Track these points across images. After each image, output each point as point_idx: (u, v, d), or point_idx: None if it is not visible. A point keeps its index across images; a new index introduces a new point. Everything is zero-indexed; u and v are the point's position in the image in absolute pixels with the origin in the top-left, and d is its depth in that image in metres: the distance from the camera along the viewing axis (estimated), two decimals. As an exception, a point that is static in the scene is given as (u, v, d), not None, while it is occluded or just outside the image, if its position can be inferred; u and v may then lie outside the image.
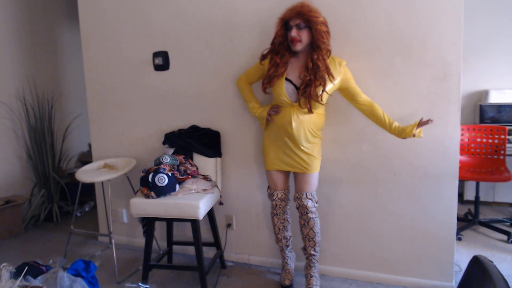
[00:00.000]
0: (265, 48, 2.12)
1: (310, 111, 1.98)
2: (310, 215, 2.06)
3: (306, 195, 2.07)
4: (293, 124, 2.00)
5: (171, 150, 2.50)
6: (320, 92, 1.95)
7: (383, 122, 2.02)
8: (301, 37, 1.94)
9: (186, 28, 2.54)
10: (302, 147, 2.04)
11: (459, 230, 2.87)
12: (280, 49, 2.02)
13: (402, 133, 1.98)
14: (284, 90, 2.01)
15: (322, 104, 2.00)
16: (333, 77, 1.96)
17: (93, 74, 2.90)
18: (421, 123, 1.95)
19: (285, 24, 1.97)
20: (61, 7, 4.02)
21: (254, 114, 2.20)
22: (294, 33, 1.93)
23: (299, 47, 1.96)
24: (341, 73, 2.01)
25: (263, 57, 2.11)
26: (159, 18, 2.61)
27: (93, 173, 2.57)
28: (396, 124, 1.99)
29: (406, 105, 2.10)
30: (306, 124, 2.02)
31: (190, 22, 2.52)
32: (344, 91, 2.07)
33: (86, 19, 2.86)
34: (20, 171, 3.54)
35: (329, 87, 1.98)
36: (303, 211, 2.07)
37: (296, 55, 2.04)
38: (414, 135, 1.95)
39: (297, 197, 2.10)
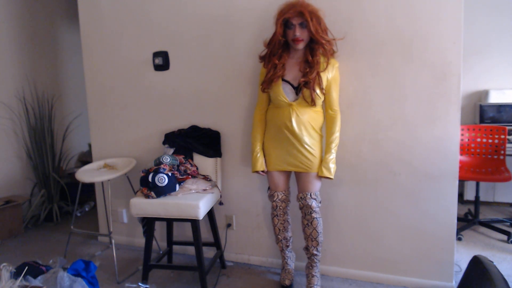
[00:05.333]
0: (262, 50, 2.11)
1: (313, 102, 1.97)
2: (314, 215, 2.06)
3: (310, 195, 2.07)
4: (293, 121, 2.00)
5: (171, 150, 2.50)
6: (322, 80, 1.98)
7: (329, 136, 2.07)
8: (303, 37, 1.95)
9: (186, 27, 2.54)
10: (305, 145, 2.03)
11: (459, 230, 2.87)
12: (277, 50, 2.02)
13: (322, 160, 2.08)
14: (282, 90, 2.01)
15: (324, 93, 2.01)
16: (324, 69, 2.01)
17: (93, 74, 2.90)
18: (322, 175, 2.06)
19: (285, 22, 1.97)
20: (61, 7, 4.02)
21: (252, 156, 2.19)
22: (298, 32, 1.93)
23: (301, 46, 1.98)
24: (333, 72, 2.04)
25: (263, 59, 2.11)
26: (159, 18, 2.61)
27: (93, 173, 2.57)
28: (333, 146, 2.06)
29: (406, 105, 2.10)
30: (306, 121, 2.02)
31: (190, 22, 2.52)
32: (326, 92, 2.06)
33: (86, 19, 2.86)
34: (20, 171, 3.54)
35: (325, 78, 2.02)
36: (307, 211, 2.07)
37: (292, 54, 2.04)
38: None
39: (301, 197, 2.09)
